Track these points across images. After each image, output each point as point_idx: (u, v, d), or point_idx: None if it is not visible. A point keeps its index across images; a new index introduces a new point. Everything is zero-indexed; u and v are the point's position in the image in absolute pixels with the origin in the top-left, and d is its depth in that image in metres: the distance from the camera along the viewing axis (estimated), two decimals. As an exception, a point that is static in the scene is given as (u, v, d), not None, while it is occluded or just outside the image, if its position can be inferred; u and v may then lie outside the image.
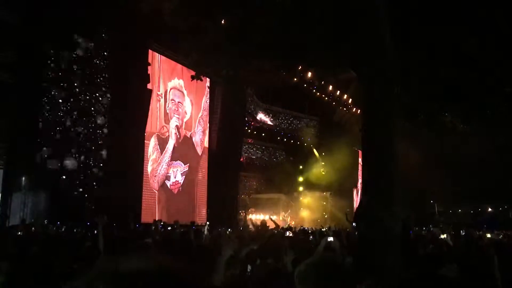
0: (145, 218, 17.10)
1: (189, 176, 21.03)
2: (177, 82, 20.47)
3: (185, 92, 21.00)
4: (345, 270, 2.04)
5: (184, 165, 20.74)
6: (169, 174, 19.73)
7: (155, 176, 18.81)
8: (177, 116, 20.50)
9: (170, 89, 20.05)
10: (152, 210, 18.41)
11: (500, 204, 26.66)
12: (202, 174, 22.08)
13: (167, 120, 19.55)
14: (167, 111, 19.74)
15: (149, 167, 18.47)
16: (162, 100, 19.26)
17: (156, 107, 18.81)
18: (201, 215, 20.97)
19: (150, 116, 18.26)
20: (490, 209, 27.80)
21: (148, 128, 18.12)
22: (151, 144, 18.67)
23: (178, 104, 20.64)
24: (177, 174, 20.26)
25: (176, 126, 20.34)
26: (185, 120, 21.12)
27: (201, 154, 22.14)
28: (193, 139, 21.67)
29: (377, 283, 2.46)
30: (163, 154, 19.25)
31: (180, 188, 20.48)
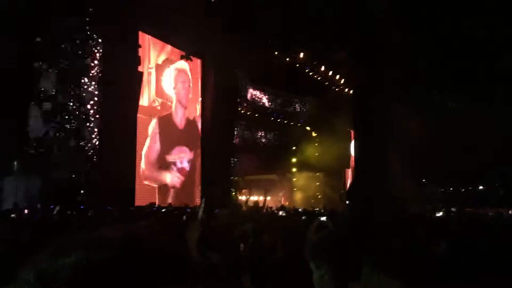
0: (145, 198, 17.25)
1: (194, 163, 21.28)
2: (181, 63, 20.41)
3: (190, 74, 21.07)
4: (352, 244, 2.08)
5: (190, 152, 20.87)
6: (173, 160, 19.77)
7: (155, 163, 18.83)
8: (184, 99, 20.64)
9: (175, 69, 20.03)
10: (152, 191, 18.48)
11: (491, 182, 26.92)
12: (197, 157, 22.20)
13: (158, 93, 19.36)
14: (173, 95, 19.82)
15: (145, 149, 18.46)
16: (154, 73, 19.05)
17: (146, 80, 18.69)
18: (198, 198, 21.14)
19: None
20: (481, 187, 28.08)
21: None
22: (151, 125, 18.73)
23: (185, 86, 20.73)
24: (183, 160, 20.35)
25: (179, 110, 20.31)
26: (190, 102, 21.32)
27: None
28: (198, 123, 21.81)
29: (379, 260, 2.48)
30: (164, 137, 19.28)
31: (187, 174, 20.68)
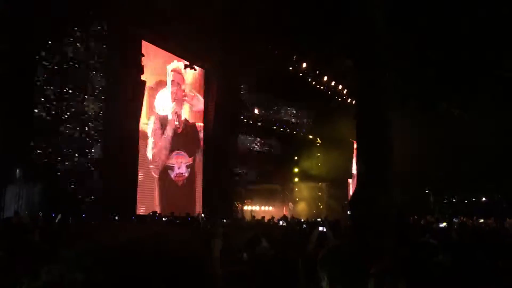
0: (146, 206, 17.14)
1: (193, 170, 21.13)
2: (176, 64, 20.27)
3: (185, 76, 20.87)
4: (359, 256, 2.11)
5: (189, 157, 20.74)
6: (172, 164, 19.64)
7: (156, 162, 18.76)
8: (178, 101, 20.36)
9: (171, 71, 19.91)
10: (152, 198, 18.44)
11: (494, 193, 26.76)
12: (199, 166, 22.19)
13: (151, 111, 18.99)
14: (167, 95, 19.66)
15: (149, 152, 18.41)
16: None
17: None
18: (198, 207, 21.02)
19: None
20: (484, 199, 27.92)
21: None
22: (150, 126, 18.60)
23: (179, 87, 20.46)
24: (181, 165, 20.22)
25: (176, 112, 20.19)
26: (188, 107, 21.20)
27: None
28: (200, 133, 21.87)
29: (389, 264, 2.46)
30: (163, 137, 19.18)
31: (185, 181, 20.51)
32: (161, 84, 19.42)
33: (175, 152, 19.87)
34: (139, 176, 17.69)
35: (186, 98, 21.05)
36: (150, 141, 18.55)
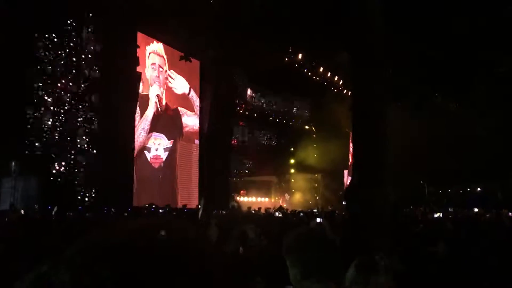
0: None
1: (172, 154, 20.54)
2: (156, 46, 19.63)
3: (165, 57, 20.24)
4: (333, 244, 2.02)
5: (168, 140, 20.25)
6: (148, 146, 19.16)
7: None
8: (158, 83, 19.78)
9: (149, 53, 19.25)
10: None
11: (489, 184, 26.91)
12: (194, 158, 22.11)
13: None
14: (147, 77, 19.11)
15: None
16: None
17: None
18: (182, 198, 20.60)
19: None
20: (479, 189, 28.08)
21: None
22: None
23: (159, 69, 19.83)
24: (159, 148, 19.69)
25: (157, 95, 19.69)
26: (170, 90, 20.60)
27: (191, 136, 22.10)
28: (183, 117, 21.40)
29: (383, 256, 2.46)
30: (141, 120, 18.68)
31: (162, 164, 19.95)
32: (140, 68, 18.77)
33: (153, 133, 19.38)
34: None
35: (167, 81, 20.58)
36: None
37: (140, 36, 18.54)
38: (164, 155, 20.05)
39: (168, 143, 20.30)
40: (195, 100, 22.57)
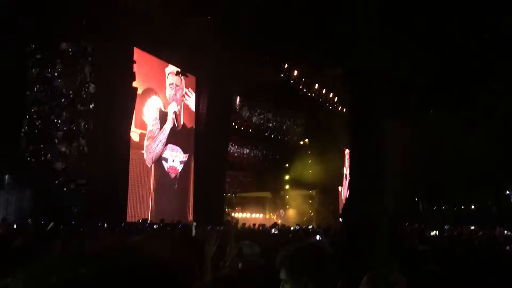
0: (136, 199, 17.39)
1: (186, 168, 21.18)
2: (173, 67, 20.56)
3: (182, 77, 21.10)
4: (330, 258, 2.02)
5: (183, 153, 20.93)
6: (166, 157, 19.83)
7: (150, 152, 18.84)
8: (175, 101, 20.69)
9: (168, 73, 20.29)
10: (146, 186, 18.52)
11: (483, 201, 26.99)
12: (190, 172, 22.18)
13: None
14: (167, 97, 20.07)
15: (145, 141, 18.60)
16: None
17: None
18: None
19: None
20: (473, 207, 28.13)
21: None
22: (152, 116, 18.90)
23: (176, 87, 20.80)
24: (175, 159, 20.40)
25: (174, 111, 20.51)
26: (187, 108, 21.54)
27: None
28: (192, 134, 22.01)
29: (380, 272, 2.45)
30: (161, 131, 19.43)
31: (178, 174, 20.56)
32: (149, 91, 19.36)
33: (170, 145, 20.05)
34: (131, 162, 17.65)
35: (184, 98, 21.40)
36: (148, 129, 18.81)
37: (154, 60, 19.46)
38: (179, 167, 20.72)
39: (184, 157, 21.01)
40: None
